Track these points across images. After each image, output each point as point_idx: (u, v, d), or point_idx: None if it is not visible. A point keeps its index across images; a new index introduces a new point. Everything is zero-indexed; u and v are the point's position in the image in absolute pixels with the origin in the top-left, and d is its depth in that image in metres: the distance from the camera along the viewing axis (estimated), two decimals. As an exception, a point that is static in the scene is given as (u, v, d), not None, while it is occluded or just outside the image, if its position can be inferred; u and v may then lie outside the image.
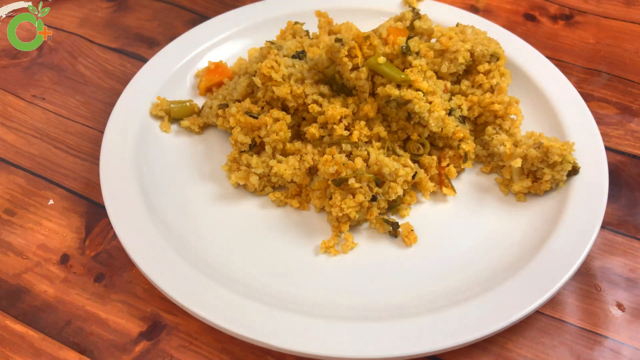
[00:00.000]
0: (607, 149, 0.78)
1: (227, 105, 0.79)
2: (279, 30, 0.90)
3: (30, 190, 0.78)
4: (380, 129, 0.74)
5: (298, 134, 0.79)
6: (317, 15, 0.90)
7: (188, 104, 0.83)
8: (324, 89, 0.76)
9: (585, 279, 0.70)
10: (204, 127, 0.83)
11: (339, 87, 0.75)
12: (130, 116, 0.80)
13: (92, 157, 0.82)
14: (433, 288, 0.66)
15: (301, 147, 0.76)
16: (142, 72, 0.85)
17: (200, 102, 0.85)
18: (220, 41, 0.92)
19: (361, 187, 0.69)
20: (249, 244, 0.71)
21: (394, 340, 0.59)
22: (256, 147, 0.76)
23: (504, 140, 0.75)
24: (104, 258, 0.71)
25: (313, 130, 0.74)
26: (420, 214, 0.74)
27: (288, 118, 0.75)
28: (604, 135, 0.80)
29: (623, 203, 0.77)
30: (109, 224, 0.73)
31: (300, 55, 0.78)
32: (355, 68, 0.73)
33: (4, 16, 0.95)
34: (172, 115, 0.82)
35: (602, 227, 0.73)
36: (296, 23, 0.89)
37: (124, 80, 0.92)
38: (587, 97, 0.88)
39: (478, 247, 0.70)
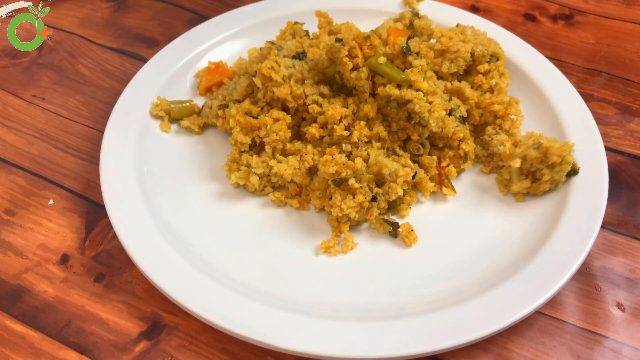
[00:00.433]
0: (607, 149, 0.79)
1: (227, 106, 0.79)
2: (279, 30, 0.90)
3: (30, 190, 0.78)
4: (380, 129, 0.75)
5: (298, 134, 0.79)
6: (317, 15, 0.90)
7: (188, 104, 0.83)
8: (324, 89, 0.76)
9: (585, 279, 0.70)
10: (204, 127, 0.83)
11: (339, 87, 0.75)
12: (130, 116, 0.80)
13: (92, 157, 0.82)
14: (433, 288, 0.66)
15: (301, 147, 0.76)
16: (142, 72, 0.85)
17: (200, 102, 0.85)
18: (220, 41, 0.92)
19: (361, 188, 0.69)
20: (249, 244, 0.71)
21: (394, 340, 0.59)
22: (256, 147, 0.76)
23: (503, 141, 0.75)
24: (104, 258, 0.71)
25: (313, 130, 0.74)
26: (420, 214, 0.74)
27: (288, 118, 0.75)
28: (604, 135, 0.80)
29: (623, 203, 0.77)
30: (109, 224, 0.73)
31: (300, 55, 0.78)
32: (356, 68, 0.73)
33: (4, 16, 0.95)
34: (172, 115, 0.82)
35: (602, 227, 0.73)
36: (296, 23, 0.89)
37: (124, 80, 0.92)
38: (587, 97, 0.88)
39: (478, 247, 0.70)
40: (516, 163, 0.71)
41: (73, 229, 0.74)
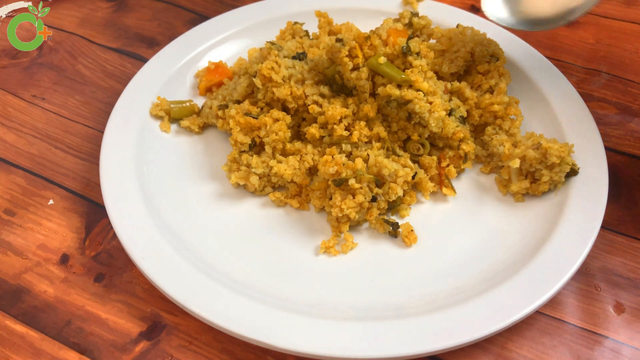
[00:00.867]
0: (607, 149, 0.78)
1: (227, 106, 0.79)
2: (279, 31, 0.90)
3: (30, 190, 0.78)
4: (380, 129, 0.75)
5: (298, 134, 0.79)
6: (317, 15, 0.90)
7: (188, 104, 0.83)
8: (324, 89, 0.76)
9: (585, 279, 0.70)
10: (204, 127, 0.83)
11: (339, 88, 0.75)
12: (130, 116, 0.80)
13: (92, 157, 0.82)
14: (433, 288, 0.66)
15: (301, 147, 0.76)
16: (142, 72, 0.85)
17: (200, 102, 0.85)
18: (220, 41, 0.92)
19: (361, 188, 0.69)
20: (249, 244, 0.71)
21: (394, 340, 0.59)
22: (256, 147, 0.76)
23: (503, 141, 0.75)
24: (104, 258, 0.71)
25: (313, 130, 0.74)
26: (420, 214, 0.74)
27: (288, 118, 0.75)
28: (604, 135, 0.80)
29: (623, 203, 0.77)
30: (109, 224, 0.73)
31: (300, 56, 0.78)
32: (356, 68, 0.73)
33: (4, 16, 0.95)
34: (172, 115, 0.82)
35: (602, 227, 0.73)
36: (296, 23, 0.89)
37: (124, 80, 0.92)
38: (587, 97, 0.88)
39: (478, 247, 0.70)
40: (515, 163, 0.71)
41: (73, 229, 0.74)
